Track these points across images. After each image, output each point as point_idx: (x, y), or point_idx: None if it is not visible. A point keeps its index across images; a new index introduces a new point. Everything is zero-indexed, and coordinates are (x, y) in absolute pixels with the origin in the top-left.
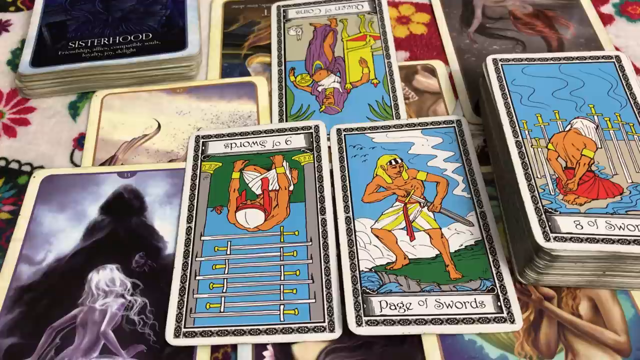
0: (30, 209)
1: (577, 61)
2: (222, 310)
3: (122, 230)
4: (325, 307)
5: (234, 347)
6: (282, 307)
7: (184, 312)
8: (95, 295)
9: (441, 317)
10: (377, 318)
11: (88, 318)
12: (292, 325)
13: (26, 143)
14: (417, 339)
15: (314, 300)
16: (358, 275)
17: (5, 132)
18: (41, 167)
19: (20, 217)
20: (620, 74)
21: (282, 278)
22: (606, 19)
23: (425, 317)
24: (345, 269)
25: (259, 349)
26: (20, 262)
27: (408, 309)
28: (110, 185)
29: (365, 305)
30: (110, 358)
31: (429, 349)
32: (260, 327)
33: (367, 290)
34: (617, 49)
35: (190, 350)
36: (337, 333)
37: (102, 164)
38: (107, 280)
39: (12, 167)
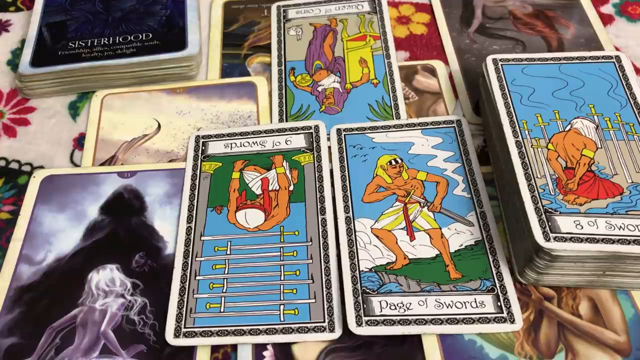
0: (30, 209)
1: (577, 61)
2: (222, 310)
3: (122, 230)
4: (325, 307)
5: (234, 347)
6: (282, 307)
7: (184, 312)
8: (95, 295)
9: (441, 317)
10: (377, 318)
11: (88, 318)
12: (292, 325)
13: (26, 143)
14: (417, 339)
15: (314, 300)
16: (358, 275)
17: (5, 132)
18: (41, 167)
19: (20, 217)
20: (620, 74)
21: (282, 278)
22: (606, 19)
23: (425, 317)
24: (345, 269)
25: (259, 349)
26: (20, 262)
27: (408, 309)
28: (110, 185)
29: (365, 305)
30: (110, 358)
31: (429, 349)
32: (260, 327)
33: (367, 290)
34: (617, 49)
35: (190, 350)
36: (337, 333)
37: (102, 164)
38: (107, 280)
39: (12, 167)
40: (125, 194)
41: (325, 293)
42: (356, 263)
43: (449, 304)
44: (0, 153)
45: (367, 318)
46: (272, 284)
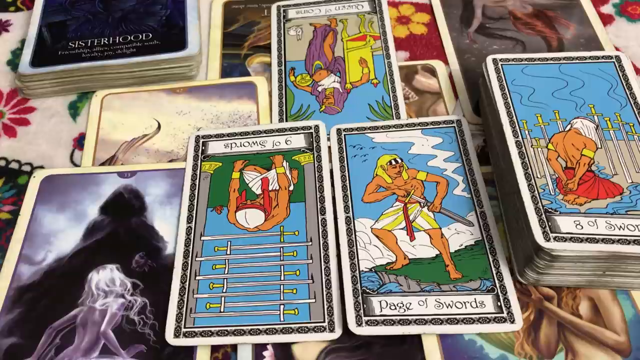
0: (30, 209)
1: (577, 61)
2: (222, 310)
3: (122, 230)
4: (325, 307)
5: (234, 347)
6: (282, 307)
7: (184, 312)
8: (95, 295)
9: (441, 317)
10: (377, 318)
11: (88, 318)
12: (292, 325)
13: (26, 143)
14: (417, 339)
15: (314, 300)
16: (358, 275)
17: (5, 132)
18: (41, 167)
19: (20, 217)
20: (620, 74)
21: (282, 278)
22: (606, 19)
23: (425, 317)
24: (345, 269)
25: (259, 349)
26: (20, 262)
27: (408, 309)
28: (110, 185)
29: (365, 305)
30: (110, 358)
31: (429, 349)
32: (260, 327)
33: (367, 290)
34: (617, 49)
35: (190, 350)
36: (337, 333)
37: (102, 164)
38: (107, 280)
39: (12, 167)
40: (125, 194)
41: (325, 293)
42: (356, 263)
43: (449, 304)
44: (0, 153)
45: (367, 318)
46: (272, 284)
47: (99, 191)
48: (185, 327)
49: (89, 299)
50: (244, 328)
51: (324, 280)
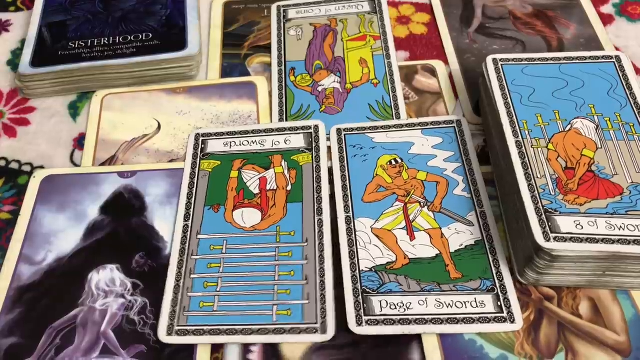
0: (31, 209)
1: (577, 61)
2: (215, 309)
3: (122, 230)
4: (319, 308)
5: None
6: (275, 307)
7: (177, 310)
8: (96, 296)
9: (441, 316)
10: (378, 318)
11: (88, 318)
12: (285, 326)
13: (26, 143)
14: (417, 339)
15: (307, 301)
16: (358, 275)
17: (5, 132)
18: (41, 167)
19: (20, 217)
20: (620, 74)
21: (277, 278)
22: (606, 19)
23: (426, 317)
24: (346, 269)
25: (247, 344)
26: (20, 262)
27: (408, 308)
28: (111, 185)
29: (365, 305)
30: (111, 358)
31: (429, 349)
32: (253, 327)
33: (367, 290)
34: (617, 49)
35: (191, 350)
36: (329, 335)
37: (102, 164)
38: (107, 280)
39: (12, 167)
40: (126, 194)
41: (319, 294)
42: (356, 263)
43: (449, 304)
44: (0, 153)
45: (367, 318)
46: (266, 284)
47: (99, 191)
48: (178, 325)
49: (89, 299)
50: (236, 327)
51: (318, 281)
